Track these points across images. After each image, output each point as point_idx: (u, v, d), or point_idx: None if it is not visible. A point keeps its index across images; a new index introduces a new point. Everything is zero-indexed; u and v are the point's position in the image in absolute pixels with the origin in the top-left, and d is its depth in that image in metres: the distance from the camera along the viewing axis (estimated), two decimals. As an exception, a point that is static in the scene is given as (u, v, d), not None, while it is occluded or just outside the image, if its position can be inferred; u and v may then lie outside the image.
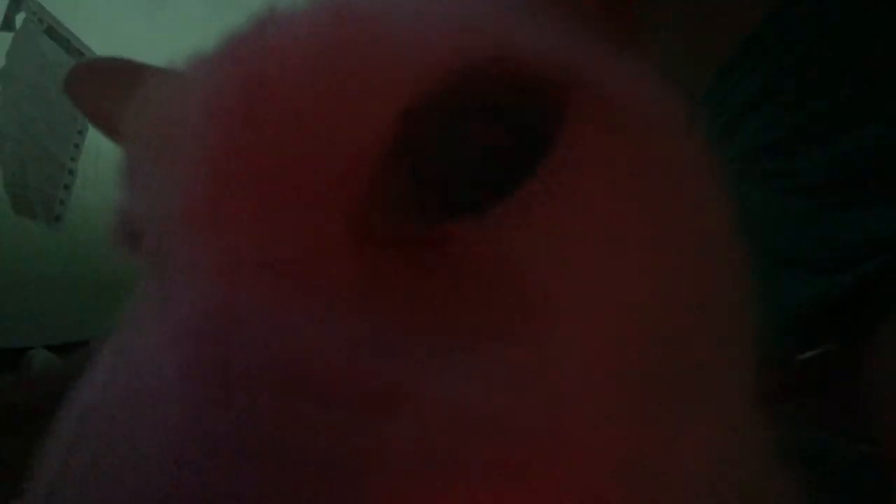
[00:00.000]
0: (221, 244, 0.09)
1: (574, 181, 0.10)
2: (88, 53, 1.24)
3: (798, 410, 0.30)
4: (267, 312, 0.09)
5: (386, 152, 0.10)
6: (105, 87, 0.19)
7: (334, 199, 0.09)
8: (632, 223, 0.11)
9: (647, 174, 0.11)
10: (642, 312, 0.10)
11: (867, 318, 0.27)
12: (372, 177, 0.10)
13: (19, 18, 1.11)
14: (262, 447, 0.08)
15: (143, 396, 0.08)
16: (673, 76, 0.15)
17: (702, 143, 0.13)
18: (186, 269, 0.09)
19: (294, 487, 0.08)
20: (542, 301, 0.09)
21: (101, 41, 1.25)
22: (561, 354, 0.09)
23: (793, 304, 0.32)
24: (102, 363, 0.10)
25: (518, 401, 0.09)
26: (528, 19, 0.10)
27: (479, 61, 0.10)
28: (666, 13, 0.35)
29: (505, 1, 0.11)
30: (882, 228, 0.28)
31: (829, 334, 0.29)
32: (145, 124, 0.13)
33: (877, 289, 0.27)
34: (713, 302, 0.12)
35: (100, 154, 1.36)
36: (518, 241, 0.10)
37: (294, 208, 0.09)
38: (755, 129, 0.35)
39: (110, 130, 0.20)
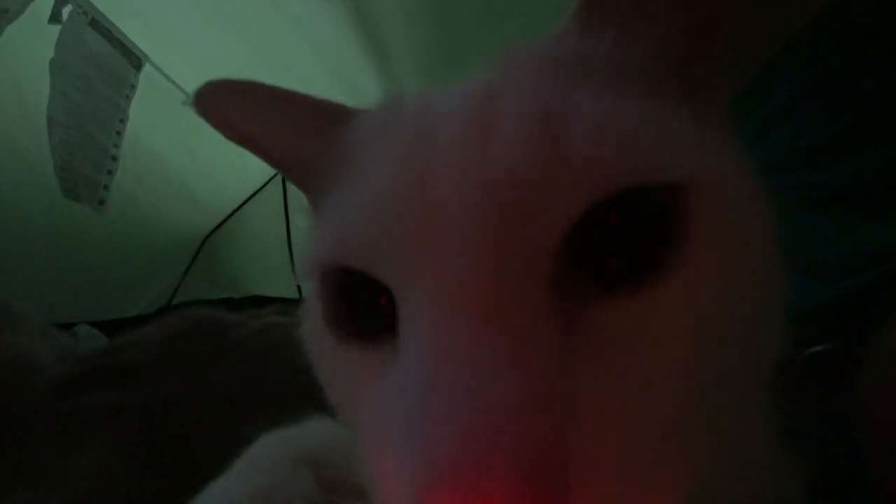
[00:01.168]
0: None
1: (690, 257, 0.15)
2: (129, 44, 1.29)
3: (801, 398, 0.34)
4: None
5: (564, 235, 0.14)
6: (238, 106, 0.22)
7: (535, 251, 0.14)
8: (726, 274, 0.16)
9: (733, 233, 0.16)
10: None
11: (868, 321, 0.29)
12: (553, 246, 0.14)
13: (66, 11, 1.16)
14: None
15: None
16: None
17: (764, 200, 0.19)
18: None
19: None
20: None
21: (142, 32, 1.30)
22: None
23: (801, 306, 0.35)
24: None
25: None
26: (652, 122, 0.15)
27: (629, 180, 0.14)
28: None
29: (634, 108, 0.15)
30: (885, 240, 0.31)
31: (833, 334, 0.33)
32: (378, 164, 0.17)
33: (878, 295, 0.30)
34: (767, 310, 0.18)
35: (138, 141, 1.42)
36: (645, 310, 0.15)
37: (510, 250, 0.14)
38: (776, 141, 0.38)
39: (255, 148, 0.23)
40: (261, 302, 1.77)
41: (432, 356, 0.13)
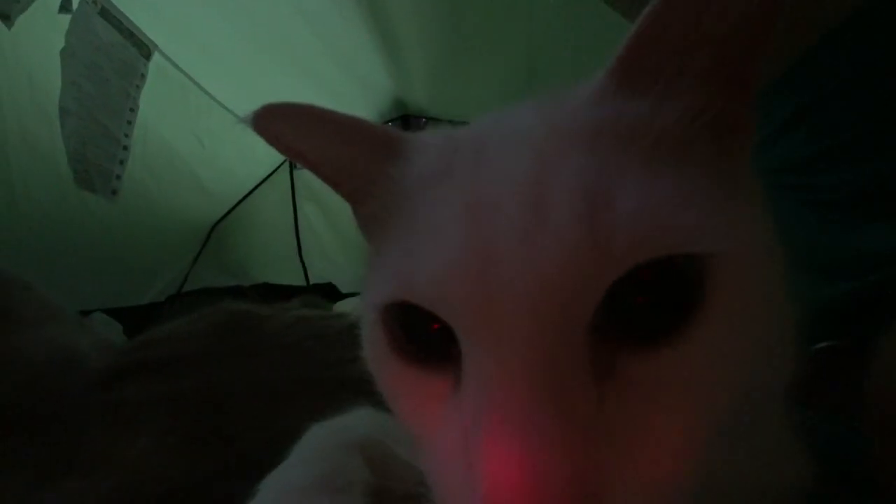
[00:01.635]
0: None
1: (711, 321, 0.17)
2: (139, 34, 1.29)
3: (807, 393, 0.35)
4: None
5: (599, 300, 0.17)
6: (291, 127, 0.23)
7: (577, 318, 0.17)
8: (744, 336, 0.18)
9: (751, 298, 0.18)
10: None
11: (874, 320, 0.31)
12: (591, 312, 0.17)
13: (75, 0, 1.16)
14: None
15: None
16: None
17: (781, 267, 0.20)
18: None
19: None
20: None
21: (151, 21, 1.29)
22: None
23: (811, 302, 0.37)
24: None
25: None
26: (681, 202, 0.17)
27: (660, 253, 0.16)
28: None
29: (668, 185, 0.17)
30: (892, 243, 0.33)
31: (840, 332, 0.34)
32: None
33: (885, 296, 0.31)
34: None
35: (147, 130, 1.43)
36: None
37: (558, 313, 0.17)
38: (791, 145, 0.39)
39: (305, 164, 0.24)
40: (269, 290, 1.79)
41: (496, 410, 0.16)
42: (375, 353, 0.22)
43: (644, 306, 0.17)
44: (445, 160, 0.21)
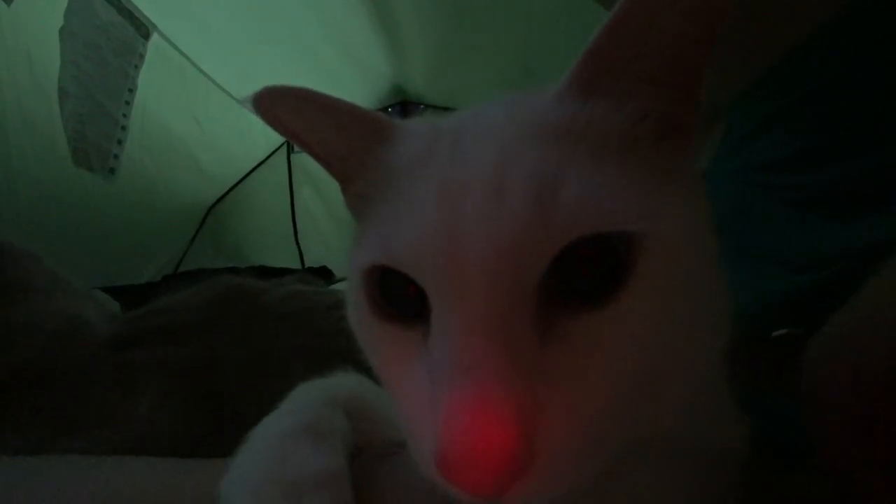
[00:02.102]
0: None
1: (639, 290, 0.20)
2: (137, 14, 1.29)
3: (766, 375, 0.38)
4: None
5: (544, 268, 0.20)
6: (289, 110, 0.25)
7: (526, 282, 0.20)
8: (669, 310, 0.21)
9: (679, 276, 0.21)
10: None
11: (825, 311, 0.34)
12: (538, 278, 0.20)
13: (75, -22, 1.16)
14: None
15: None
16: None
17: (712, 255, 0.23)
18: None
19: None
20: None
21: (150, 1, 1.30)
22: None
23: (773, 293, 0.40)
24: None
25: None
26: (618, 189, 0.20)
27: (596, 230, 0.20)
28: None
29: (609, 177, 0.20)
30: (849, 241, 0.35)
31: (797, 320, 0.37)
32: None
33: (835, 290, 0.34)
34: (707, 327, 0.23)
35: (145, 110, 1.44)
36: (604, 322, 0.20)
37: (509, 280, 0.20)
38: (767, 145, 0.41)
39: (301, 144, 0.27)
40: (264, 272, 1.82)
41: (456, 356, 0.19)
42: (358, 312, 0.25)
43: (584, 276, 0.20)
44: (427, 147, 0.24)
